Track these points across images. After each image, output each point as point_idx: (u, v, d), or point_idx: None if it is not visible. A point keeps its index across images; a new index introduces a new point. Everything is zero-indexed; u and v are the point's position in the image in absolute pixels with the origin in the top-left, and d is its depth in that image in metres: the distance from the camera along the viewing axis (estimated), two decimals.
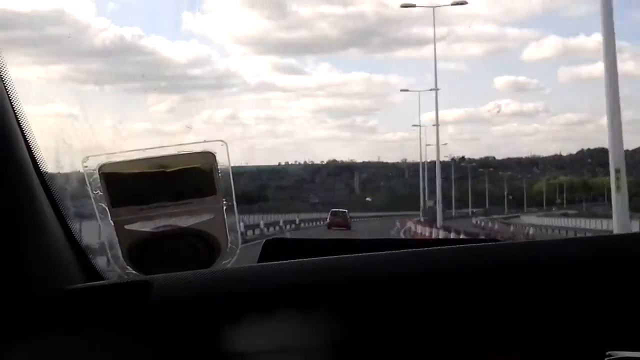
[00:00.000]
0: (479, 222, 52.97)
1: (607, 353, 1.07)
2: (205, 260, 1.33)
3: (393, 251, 1.32)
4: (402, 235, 32.30)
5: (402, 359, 1.26)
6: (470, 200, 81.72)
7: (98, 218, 1.29)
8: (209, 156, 1.28)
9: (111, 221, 1.29)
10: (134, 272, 1.32)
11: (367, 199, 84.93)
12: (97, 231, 1.33)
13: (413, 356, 1.26)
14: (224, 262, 1.35)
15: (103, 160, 1.27)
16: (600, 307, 1.25)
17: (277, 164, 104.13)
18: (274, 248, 1.49)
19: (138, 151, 1.28)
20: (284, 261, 1.29)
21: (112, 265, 1.33)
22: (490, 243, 1.49)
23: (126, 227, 1.29)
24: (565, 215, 69.00)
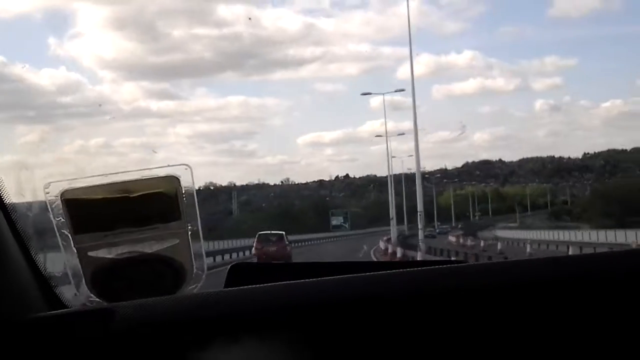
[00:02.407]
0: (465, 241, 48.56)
1: None
2: (171, 286, 1.31)
3: (360, 274, 1.31)
4: None
5: None
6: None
7: (61, 245, 1.27)
8: (173, 180, 1.27)
9: (74, 248, 1.26)
10: (97, 299, 1.29)
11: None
12: (61, 259, 1.30)
13: None
14: (189, 287, 1.33)
15: (65, 186, 1.24)
16: (577, 326, 1.25)
17: None
18: (240, 273, 1.47)
19: (101, 176, 1.26)
20: (251, 286, 1.27)
21: (76, 293, 1.31)
22: (461, 264, 1.48)
23: (89, 253, 1.27)
24: (507, 227, 69.90)
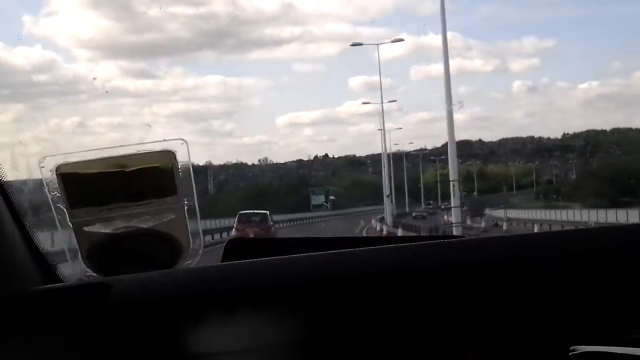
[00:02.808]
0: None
1: (572, 348, 1.07)
2: (168, 261, 1.31)
3: (356, 249, 1.30)
4: None
5: (365, 356, 1.25)
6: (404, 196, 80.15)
7: (56, 220, 1.27)
8: (169, 155, 1.25)
9: (70, 223, 1.26)
10: (94, 274, 1.29)
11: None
12: (57, 234, 1.29)
13: (376, 354, 1.25)
14: (186, 262, 1.32)
15: (60, 160, 1.24)
16: (564, 302, 1.25)
17: None
18: (237, 248, 1.46)
19: (96, 150, 1.25)
20: (247, 260, 1.27)
21: (72, 268, 1.31)
22: (455, 239, 1.46)
23: (85, 228, 1.26)
24: (500, 208, 68.49)
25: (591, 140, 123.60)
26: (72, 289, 1.23)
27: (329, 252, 1.29)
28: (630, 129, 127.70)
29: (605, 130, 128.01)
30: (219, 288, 1.22)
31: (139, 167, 1.24)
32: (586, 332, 1.20)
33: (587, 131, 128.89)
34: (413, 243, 1.38)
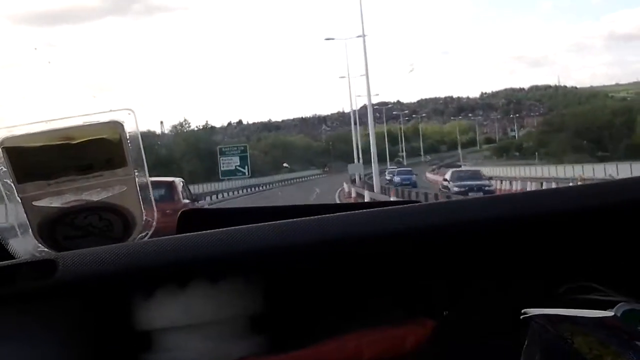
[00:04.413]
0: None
1: (523, 311, 1.08)
2: (120, 234, 1.29)
3: (314, 217, 1.27)
4: None
5: (321, 328, 1.24)
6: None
7: (4, 195, 1.24)
8: (117, 126, 1.22)
9: (18, 198, 1.23)
10: (46, 249, 1.27)
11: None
12: (6, 209, 1.27)
13: (331, 325, 1.24)
14: (140, 235, 1.30)
15: (4, 133, 1.21)
16: (516, 265, 1.26)
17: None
18: (192, 219, 1.44)
19: (41, 123, 1.22)
20: (202, 232, 1.24)
21: (24, 244, 1.28)
22: (414, 204, 1.39)
23: (34, 203, 1.24)
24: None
25: (512, 98, 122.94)
26: (20, 266, 1.18)
27: (285, 220, 1.25)
28: (549, 86, 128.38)
29: (524, 89, 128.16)
30: (173, 260, 1.18)
31: (86, 138, 1.21)
32: (539, 294, 1.18)
33: (506, 89, 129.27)
34: (373, 209, 1.31)
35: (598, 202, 1.23)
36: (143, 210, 1.28)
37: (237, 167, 37.26)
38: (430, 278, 1.26)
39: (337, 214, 1.27)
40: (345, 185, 37.71)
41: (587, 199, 1.25)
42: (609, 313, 1.01)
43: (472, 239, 1.23)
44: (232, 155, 37.71)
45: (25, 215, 1.23)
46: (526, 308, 1.05)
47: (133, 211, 1.28)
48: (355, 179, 40.44)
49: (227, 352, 1.24)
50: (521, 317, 1.06)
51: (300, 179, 58.58)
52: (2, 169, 1.21)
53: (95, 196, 1.24)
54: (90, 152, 1.21)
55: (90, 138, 1.21)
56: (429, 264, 1.25)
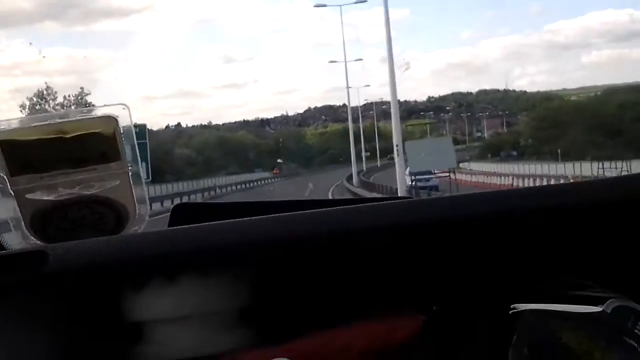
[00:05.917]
0: None
1: (512, 306, 1.08)
2: (113, 228, 1.29)
3: (304, 211, 1.28)
4: None
5: (311, 321, 1.25)
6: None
7: None
8: (111, 120, 1.23)
9: (11, 191, 1.24)
10: (38, 242, 1.27)
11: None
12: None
13: (321, 318, 1.25)
14: (133, 229, 1.31)
15: None
16: (506, 261, 1.27)
17: None
18: (184, 213, 1.44)
19: (35, 117, 1.24)
20: (192, 225, 1.26)
21: (16, 237, 1.28)
22: (404, 200, 1.43)
23: (27, 196, 1.24)
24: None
25: (461, 100, 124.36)
26: (11, 257, 1.19)
27: (276, 215, 1.26)
28: (498, 90, 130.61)
29: (472, 92, 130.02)
30: (163, 253, 1.19)
31: (80, 132, 1.21)
32: (527, 290, 1.18)
33: (453, 93, 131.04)
34: (363, 204, 1.33)
35: (591, 199, 1.26)
36: (136, 204, 1.29)
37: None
38: (420, 273, 1.28)
39: (327, 208, 1.29)
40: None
41: (580, 196, 1.28)
42: (598, 309, 1.03)
43: (462, 234, 1.25)
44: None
45: (17, 208, 1.24)
46: (515, 303, 1.06)
47: (126, 205, 1.28)
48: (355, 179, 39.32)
49: (217, 344, 1.25)
50: (510, 312, 1.07)
51: (245, 185, 55.74)
52: None
53: (88, 190, 1.24)
54: (84, 146, 1.22)
55: (84, 132, 1.21)
56: (419, 259, 1.27)
